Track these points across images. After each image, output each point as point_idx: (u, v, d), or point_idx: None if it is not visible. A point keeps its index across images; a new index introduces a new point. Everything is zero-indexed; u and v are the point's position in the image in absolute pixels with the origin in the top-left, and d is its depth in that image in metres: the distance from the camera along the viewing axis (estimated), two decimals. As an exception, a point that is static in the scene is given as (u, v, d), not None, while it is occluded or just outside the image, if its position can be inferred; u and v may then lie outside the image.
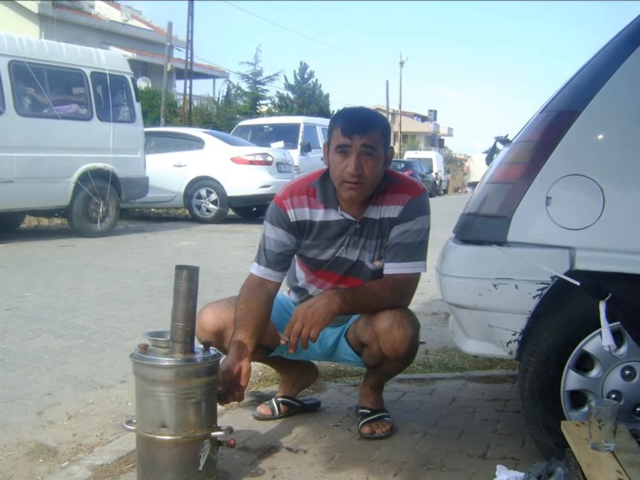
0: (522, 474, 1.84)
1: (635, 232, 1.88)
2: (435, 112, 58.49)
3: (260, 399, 2.67)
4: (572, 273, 1.89)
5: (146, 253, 7.26)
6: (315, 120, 15.06)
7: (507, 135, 2.32)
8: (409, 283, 2.26)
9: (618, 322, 1.89)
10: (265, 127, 14.20)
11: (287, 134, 13.02)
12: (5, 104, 7.42)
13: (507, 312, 1.98)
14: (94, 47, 9.40)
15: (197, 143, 11.11)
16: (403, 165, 25.48)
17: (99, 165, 8.35)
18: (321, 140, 12.79)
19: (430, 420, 2.49)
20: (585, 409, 1.94)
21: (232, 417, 2.48)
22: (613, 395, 1.95)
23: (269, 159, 10.76)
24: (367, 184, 2.15)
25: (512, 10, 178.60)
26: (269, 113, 26.27)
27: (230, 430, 1.94)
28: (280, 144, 12.44)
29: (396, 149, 32.02)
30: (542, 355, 1.98)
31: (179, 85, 23.96)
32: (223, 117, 22.73)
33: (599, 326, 1.86)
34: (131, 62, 12.66)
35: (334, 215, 2.24)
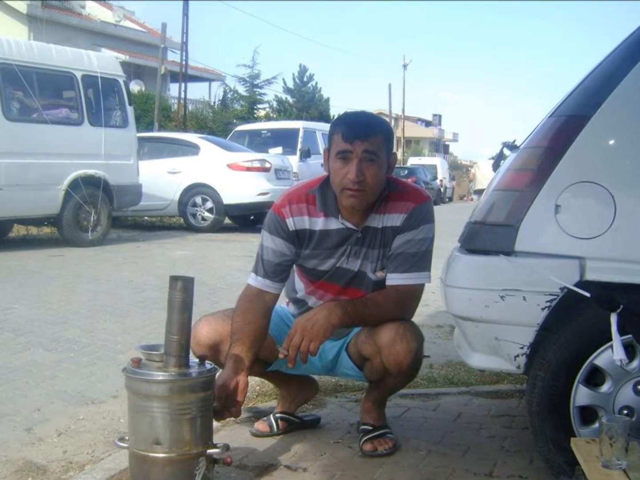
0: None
1: None
2: (440, 116, 57.88)
3: (258, 414, 2.62)
4: (582, 284, 1.86)
5: (139, 263, 7.19)
6: (315, 125, 14.93)
7: (514, 141, 2.30)
8: (413, 294, 2.21)
9: (630, 335, 1.85)
10: (263, 132, 14.07)
11: (285, 140, 12.90)
12: (-7, 108, 7.34)
13: (514, 324, 1.94)
14: (84, 49, 9.25)
15: (192, 149, 11.01)
16: (406, 171, 25.33)
17: (90, 171, 8.23)
18: (321, 145, 12.64)
19: (435, 437, 2.45)
20: (596, 425, 1.92)
21: (229, 434, 2.44)
22: (625, 411, 1.91)
23: (267, 165, 10.65)
24: (368, 191, 2.11)
25: (519, 11, 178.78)
26: (267, 117, 26.14)
27: (226, 447, 1.90)
28: (279, 149, 12.37)
29: (399, 155, 32.00)
30: (551, 370, 1.94)
31: (174, 89, 24.09)
32: (219, 122, 22.67)
33: (610, 339, 1.83)
34: (123, 64, 12.64)
35: (334, 224, 2.20)
